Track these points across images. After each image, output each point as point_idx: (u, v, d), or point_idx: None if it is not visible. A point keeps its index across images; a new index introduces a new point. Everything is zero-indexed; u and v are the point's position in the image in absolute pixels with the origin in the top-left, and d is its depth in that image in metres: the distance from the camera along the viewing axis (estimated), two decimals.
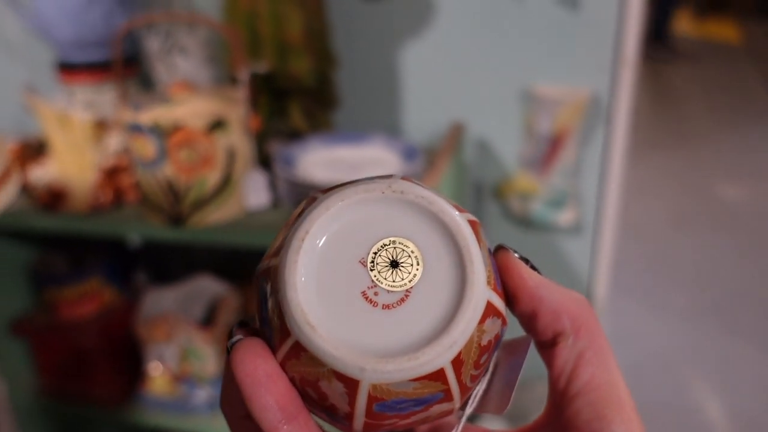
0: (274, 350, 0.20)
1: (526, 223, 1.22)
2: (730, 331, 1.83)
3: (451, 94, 1.16)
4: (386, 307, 0.20)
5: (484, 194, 1.23)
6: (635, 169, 2.70)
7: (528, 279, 0.22)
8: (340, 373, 0.19)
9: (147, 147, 0.82)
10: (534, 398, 1.07)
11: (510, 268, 0.22)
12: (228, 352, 0.21)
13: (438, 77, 1.15)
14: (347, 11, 1.11)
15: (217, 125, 0.83)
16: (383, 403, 0.20)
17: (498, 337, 0.22)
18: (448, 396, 0.21)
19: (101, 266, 1.14)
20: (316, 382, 0.20)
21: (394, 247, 0.21)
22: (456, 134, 1.09)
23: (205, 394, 1.10)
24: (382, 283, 0.20)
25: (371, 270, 0.21)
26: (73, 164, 0.97)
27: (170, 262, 1.30)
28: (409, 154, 0.95)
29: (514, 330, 0.23)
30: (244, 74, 0.88)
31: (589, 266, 1.25)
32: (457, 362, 0.20)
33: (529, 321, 0.23)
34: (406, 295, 0.20)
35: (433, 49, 1.13)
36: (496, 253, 0.23)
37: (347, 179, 0.23)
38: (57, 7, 1.01)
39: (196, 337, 1.07)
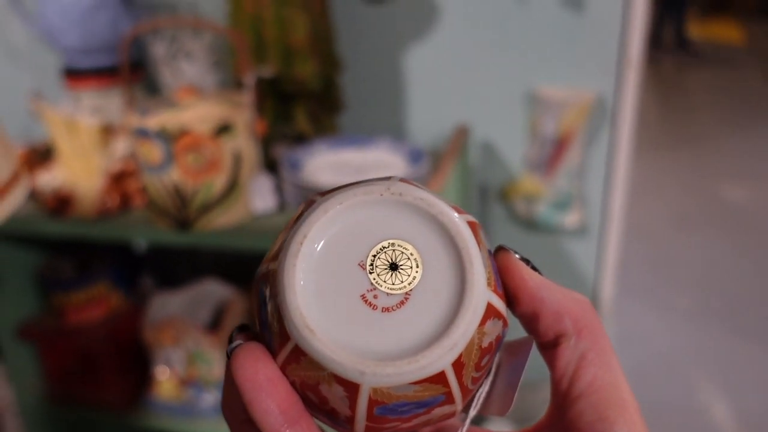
0: (274, 354, 0.20)
1: (531, 225, 1.21)
2: (735, 332, 1.82)
3: (455, 97, 1.16)
4: (386, 310, 0.20)
5: (490, 197, 1.23)
6: (640, 170, 2.69)
7: (529, 280, 0.22)
8: (340, 377, 0.19)
9: (153, 152, 0.83)
10: (539, 400, 1.06)
11: (510, 269, 0.22)
12: (228, 357, 0.21)
13: (442, 80, 1.15)
14: (352, 15, 1.11)
15: (223, 129, 0.83)
16: (384, 406, 0.20)
17: (499, 339, 0.22)
18: (449, 399, 0.20)
19: (108, 271, 1.14)
20: (317, 386, 0.20)
21: (393, 250, 0.21)
22: (461, 137, 1.09)
23: (211, 398, 1.11)
24: (381, 286, 0.20)
25: (370, 273, 0.20)
26: (79, 169, 0.98)
27: (177, 267, 1.30)
28: (415, 157, 0.95)
29: (516, 331, 0.23)
30: (249, 78, 0.89)
31: (595, 268, 1.25)
32: (458, 365, 0.20)
33: (530, 322, 0.23)
34: (406, 298, 0.20)
35: (438, 52, 1.13)
36: (497, 254, 0.23)
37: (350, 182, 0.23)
38: (63, 13, 1.02)
39: (203, 341, 1.08)
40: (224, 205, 0.87)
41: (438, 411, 0.21)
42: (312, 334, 0.19)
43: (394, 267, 0.21)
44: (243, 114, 0.86)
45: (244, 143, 0.86)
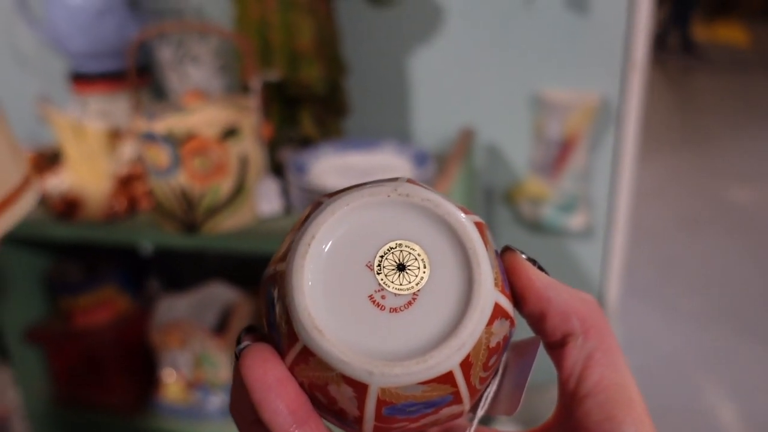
0: (282, 355, 0.20)
1: (537, 227, 1.21)
2: (742, 334, 1.81)
3: (460, 100, 1.16)
4: (394, 310, 0.20)
5: (495, 199, 1.23)
6: (646, 172, 2.69)
7: (536, 280, 0.22)
8: (349, 378, 0.19)
9: (160, 155, 0.83)
10: (546, 401, 1.06)
11: (517, 269, 0.22)
12: (236, 358, 0.21)
13: (448, 83, 1.15)
14: (357, 19, 1.11)
15: (229, 133, 0.83)
16: (392, 406, 0.20)
17: (507, 339, 0.22)
18: (457, 398, 0.20)
19: (115, 274, 1.15)
20: (325, 387, 0.20)
21: (401, 251, 0.21)
22: (466, 140, 1.09)
23: (218, 401, 1.11)
24: (389, 286, 0.20)
25: (378, 273, 0.20)
26: (87, 173, 0.98)
27: (183, 270, 1.31)
28: (420, 160, 0.95)
29: (523, 331, 0.24)
30: (255, 83, 0.89)
31: (601, 270, 1.25)
32: (466, 364, 0.20)
33: (537, 322, 0.23)
34: (414, 298, 0.20)
35: (443, 55, 1.13)
36: (503, 255, 0.23)
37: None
38: (70, 19, 1.02)
39: (210, 344, 1.08)
40: (231, 209, 0.87)
41: (446, 411, 0.21)
42: (320, 334, 0.19)
43: (401, 268, 0.21)
44: (249, 118, 0.86)
45: (250, 147, 0.87)
